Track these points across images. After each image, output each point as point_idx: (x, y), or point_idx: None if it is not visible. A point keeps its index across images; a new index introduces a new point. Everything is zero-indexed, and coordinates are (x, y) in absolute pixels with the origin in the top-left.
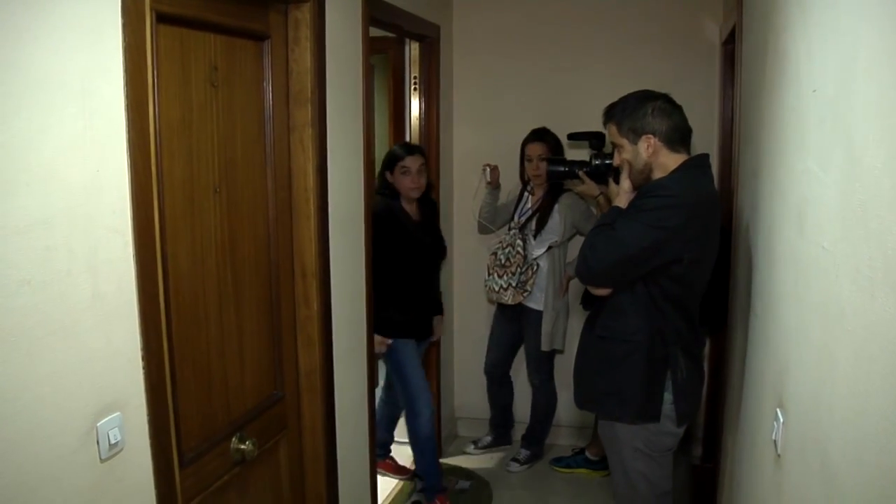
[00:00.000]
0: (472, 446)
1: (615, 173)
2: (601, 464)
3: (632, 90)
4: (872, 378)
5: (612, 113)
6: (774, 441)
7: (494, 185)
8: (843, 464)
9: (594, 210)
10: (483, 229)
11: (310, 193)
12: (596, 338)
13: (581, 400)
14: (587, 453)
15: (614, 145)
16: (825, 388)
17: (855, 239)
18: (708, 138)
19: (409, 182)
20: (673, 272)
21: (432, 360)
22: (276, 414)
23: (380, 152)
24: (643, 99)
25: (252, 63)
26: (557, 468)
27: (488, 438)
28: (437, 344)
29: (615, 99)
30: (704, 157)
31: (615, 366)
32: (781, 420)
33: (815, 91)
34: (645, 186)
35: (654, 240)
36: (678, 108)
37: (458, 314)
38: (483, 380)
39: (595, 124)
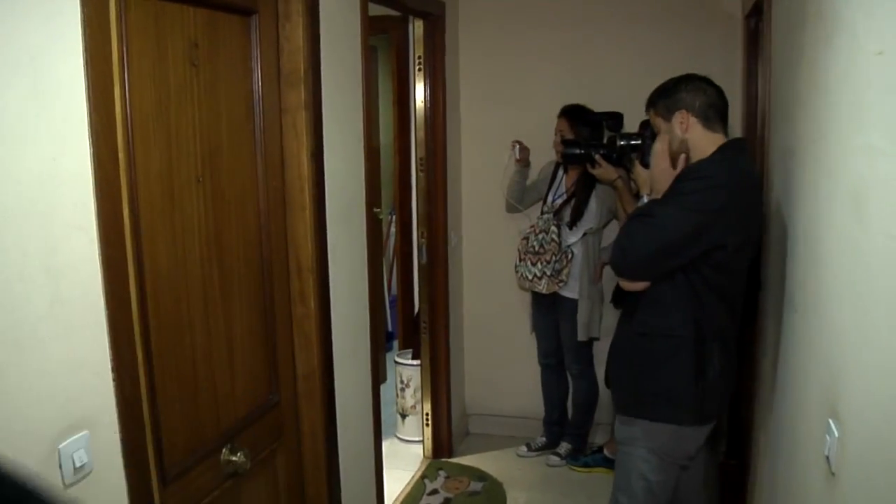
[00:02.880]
0: (525, 448)
1: (644, 156)
2: None
3: (648, 67)
4: None
5: (650, 99)
6: (827, 457)
7: (524, 164)
8: None
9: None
10: (511, 208)
11: (304, 182)
12: (635, 335)
13: (623, 404)
14: (606, 451)
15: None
16: None
17: None
18: (730, 119)
19: None
20: (716, 260)
21: (440, 352)
22: (271, 421)
23: (385, 139)
24: (678, 79)
25: (238, 40)
26: (575, 467)
27: (542, 440)
28: (445, 336)
29: (630, 76)
30: (741, 140)
31: (661, 364)
32: (836, 434)
33: (881, 53)
34: (682, 171)
35: (695, 224)
36: (715, 87)
37: (468, 304)
38: (496, 374)
39: (612, 102)
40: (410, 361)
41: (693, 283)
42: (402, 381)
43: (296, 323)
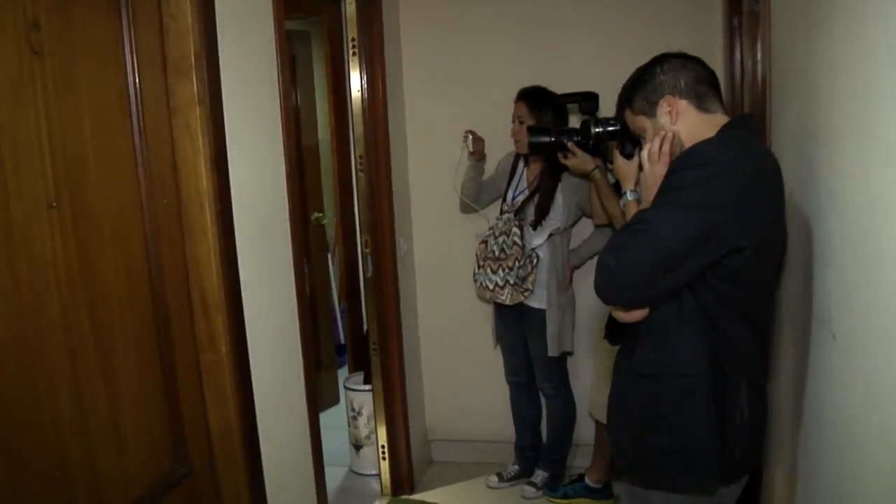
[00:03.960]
0: (496, 479)
1: (624, 145)
2: (604, 492)
3: (615, 44)
4: None
5: (622, 97)
6: None
7: (478, 157)
8: None
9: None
10: (466, 208)
11: (204, 197)
12: (637, 377)
13: (628, 469)
14: (587, 479)
15: (640, 137)
16: None
17: None
18: None
19: None
20: (731, 269)
21: (394, 375)
22: (181, 498)
23: (323, 134)
24: (648, 65)
25: (101, 20)
26: (553, 499)
27: (515, 468)
28: (399, 356)
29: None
30: (748, 117)
31: (672, 412)
32: None
33: None
34: (676, 158)
35: (700, 225)
36: (694, 59)
37: (424, 318)
38: (459, 394)
39: (576, 84)
40: (361, 386)
41: (705, 303)
42: (353, 409)
43: (205, 371)
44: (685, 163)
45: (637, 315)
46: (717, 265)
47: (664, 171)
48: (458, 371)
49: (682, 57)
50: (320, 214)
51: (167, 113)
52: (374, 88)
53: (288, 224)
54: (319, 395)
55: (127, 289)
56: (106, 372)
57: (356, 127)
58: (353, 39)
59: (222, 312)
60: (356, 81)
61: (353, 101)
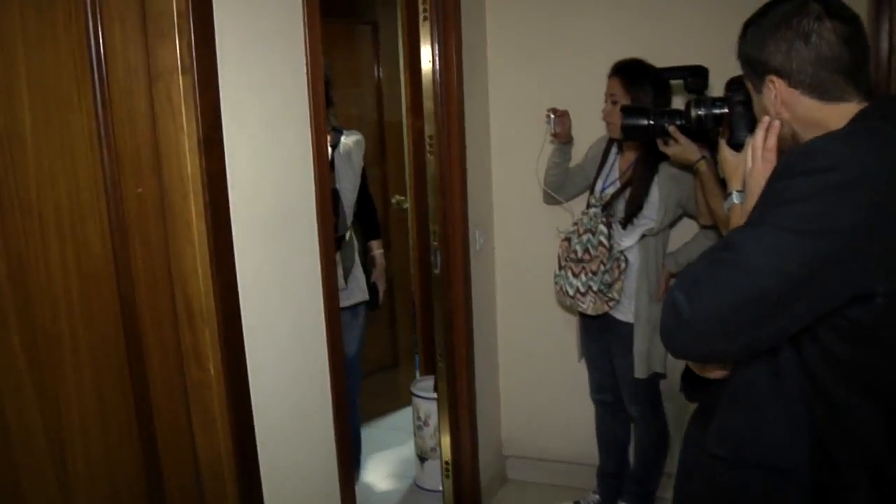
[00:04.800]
0: None
1: (733, 132)
2: None
3: (734, 5)
4: None
5: (738, 43)
6: None
7: (563, 139)
8: None
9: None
10: (550, 199)
11: (188, 185)
12: (712, 459)
13: None
14: None
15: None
16: None
17: None
18: None
19: None
20: (854, 322)
21: (461, 384)
22: None
23: (392, 111)
24: (774, 4)
25: None
26: None
27: (595, 497)
28: (467, 363)
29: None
30: (891, 102)
31: None
32: None
33: None
34: (783, 158)
35: (810, 257)
36: (841, 22)
37: (502, 320)
38: (540, 409)
39: (690, 56)
40: (428, 393)
41: (812, 368)
42: (419, 417)
43: (192, 393)
44: (793, 165)
45: (717, 373)
46: (833, 316)
47: (768, 173)
48: (539, 382)
49: (827, 14)
50: (402, 198)
51: (147, 82)
52: (446, 59)
53: (314, 216)
54: (395, 395)
55: (79, 295)
56: (48, 401)
57: (426, 103)
58: (423, 2)
59: (210, 324)
60: (426, 51)
61: (423, 73)
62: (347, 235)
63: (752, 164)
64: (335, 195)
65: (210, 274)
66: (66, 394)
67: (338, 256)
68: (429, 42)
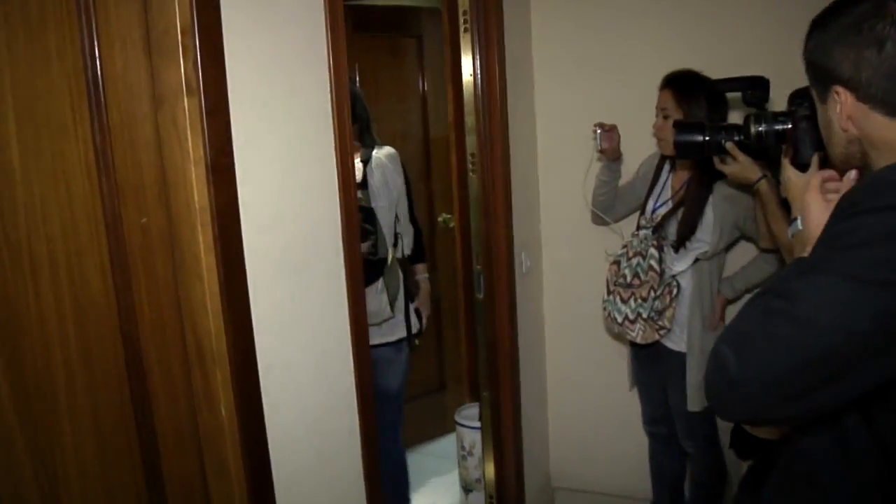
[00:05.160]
0: None
1: (797, 150)
2: None
3: (803, 8)
4: None
5: (806, 38)
6: None
7: (611, 156)
8: None
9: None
10: (598, 219)
11: (195, 216)
12: None
13: None
14: None
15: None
16: None
17: None
18: None
19: None
20: None
21: (505, 414)
22: None
23: (437, 127)
24: (847, 1)
25: None
26: None
27: None
28: (512, 393)
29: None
30: None
31: None
32: None
33: None
34: (848, 192)
35: (880, 311)
36: None
37: (551, 346)
38: (590, 439)
39: (750, 66)
40: (472, 423)
41: (890, 445)
42: (463, 447)
43: (203, 437)
44: (858, 203)
45: (769, 433)
46: None
47: (828, 210)
48: (590, 411)
49: None
50: (448, 216)
51: (151, 105)
52: (488, 72)
53: (340, 241)
54: (442, 421)
55: (76, 336)
56: (38, 449)
57: (467, 118)
58: (464, 13)
59: (222, 364)
60: (467, 64)
61: (464, 86)
62: (389, 259)
63: (809, 199)
64: (371, 214)
65: (221, 311)
66: (61, 446)
67: (381, 283)
68: (470, 54)
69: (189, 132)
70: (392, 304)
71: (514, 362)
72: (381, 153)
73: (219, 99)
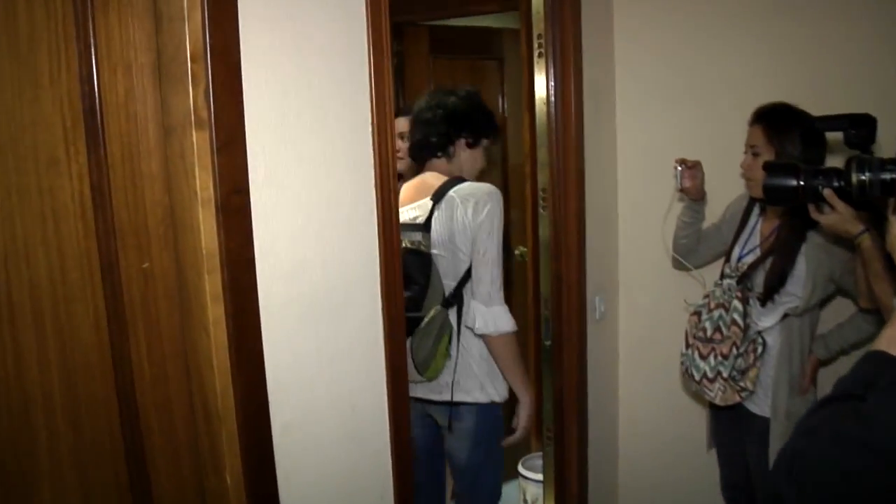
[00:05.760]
0: None
1: None
2: None
3: None
4: None
5: None
6: None
7: (694, 195)
8: None
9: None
10: (680, 265)
11: (202, 261)
12: None
13: None
14: None
15: None
16: None
17: None
18: None
19: None
20: None
21: (570, 473)
22: None
23: (516, 153)
24: None
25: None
26: None
27: None
28: (579, 450)
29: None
30: None
31: None
32: None
33: None
34: None
35: None
36: None
37: (625, 399)
38: (663, 501)
39: (854, 102)
40: (536, 475)
41: None
42: (525, 499)
43: (210, 500)
44: None
45: None
46: None
47: None
48: (664, 470)
49: None
50: (525, 249)
51: (159, 138)
52: (563, 100)
53: (378, 291)
54: (511, 464)
55: (63, 395)
56: None
57: (539, 150)
58: (538, 36)
59: (228, 424)
60: (540, 89)
61: (536, 114)
62: (428, 317)
63: None
64: (426, 262)
65: (228, 367)
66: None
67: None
68: (544, 80)
69: (197, 168)
70: (421, 371)
71: (582, 414)
72: (461, 192)
73: (233, 132)
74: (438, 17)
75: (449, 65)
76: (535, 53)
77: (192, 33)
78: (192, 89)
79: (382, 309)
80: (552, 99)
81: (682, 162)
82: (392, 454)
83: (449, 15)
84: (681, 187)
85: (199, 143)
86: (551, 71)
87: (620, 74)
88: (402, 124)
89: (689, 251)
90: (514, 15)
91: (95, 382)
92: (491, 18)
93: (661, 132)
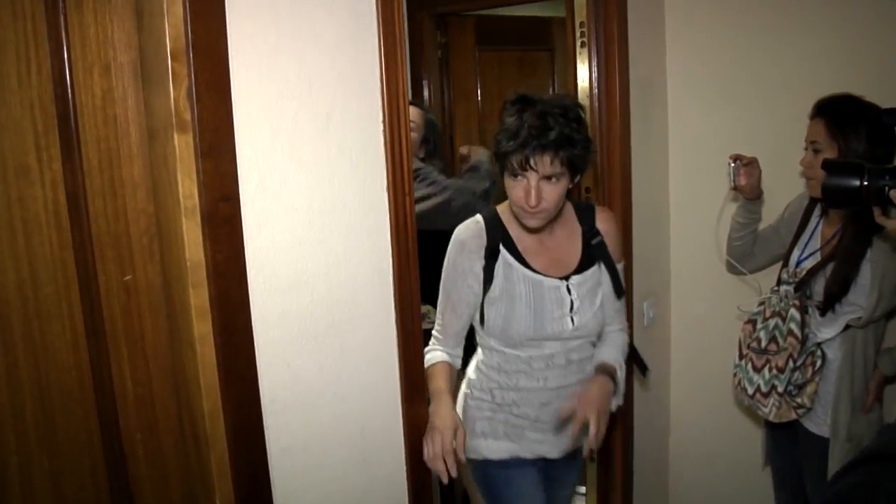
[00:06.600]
0: None
1: None
2: None
3: None
4: None
5: None
6: None
7: (749, 194)
8: None
9: None
10: (734, 269)
11: (186, 274)
12: None
13: None
14: None
15: None
16: None
17: None
18: None
19: None
20: None
21: (614, 490)
22: None
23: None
24: None
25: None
26: None
27: None
28: (624, 466)
29: None
30: None
31: None
32: None
33: None
34: None
35: None
36: None
37: (675, 410)
38: None
39: None
40: (579, 490)
41: None
42: None
43: None
44: None
45: None
46: None
47: None
48: (717, 487)
49: None
50: None
51: (141, 142)
52: (607, 92)
53: (392, 303)
54: None
55: (36, 420)
56: None
57: None
58: (581, 24)
59: (217, 448)
60: (583, 80)
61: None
62: None
63: None
64: None
65: (217, 386)
66: None
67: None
68: (586, 70)
69: (179, 174)
70: None
71: (628, 427)
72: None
73: (220, 135)
74: (484, 6)
75: (496, 56)
76: (578, 43)
77: (172, 28)
78: (174, 89)
79: (397, 322)
80: (595, 91)
81: (738, 158)
82: (408, 478)
83: (495, 4)
84: (734, 185)
85: (182, 148)
86: (594, 61)
87: (671, 64)
88: (414, 114)
89: (743, 254)
90: (563, 2)
91: (73, 405)
92: (539, 7)
93: (715, 126)
